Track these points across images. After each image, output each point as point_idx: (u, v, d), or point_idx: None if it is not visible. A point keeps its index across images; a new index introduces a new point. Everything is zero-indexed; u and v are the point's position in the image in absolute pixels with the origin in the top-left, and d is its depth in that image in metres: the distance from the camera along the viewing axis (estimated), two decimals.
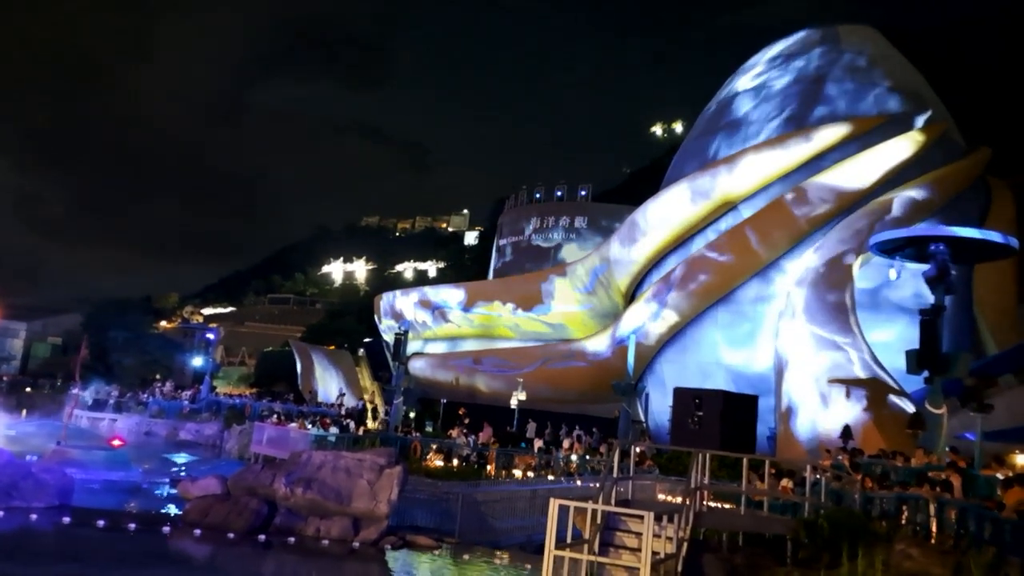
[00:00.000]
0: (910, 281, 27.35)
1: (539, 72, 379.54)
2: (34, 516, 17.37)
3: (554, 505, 11.51)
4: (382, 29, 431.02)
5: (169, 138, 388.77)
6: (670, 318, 35.25)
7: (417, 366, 48.91)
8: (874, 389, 26.05)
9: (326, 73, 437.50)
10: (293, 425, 32.32)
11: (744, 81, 39.27)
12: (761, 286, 33.54)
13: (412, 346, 46.50)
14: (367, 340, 63.04)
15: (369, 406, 43.01)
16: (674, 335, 35.77)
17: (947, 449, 17.31)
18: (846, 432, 22.90)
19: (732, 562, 12.94)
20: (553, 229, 57.27)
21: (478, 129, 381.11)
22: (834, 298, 29.30)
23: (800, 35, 39.14)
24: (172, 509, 20.06)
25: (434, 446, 29.52)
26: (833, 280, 29.93)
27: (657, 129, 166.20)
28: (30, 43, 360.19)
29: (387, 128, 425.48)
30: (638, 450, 22.35)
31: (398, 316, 52.05)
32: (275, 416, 36.80)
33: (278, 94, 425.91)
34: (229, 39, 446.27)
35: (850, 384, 26.37)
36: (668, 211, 36.49)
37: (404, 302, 53.86)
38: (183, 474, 26.72)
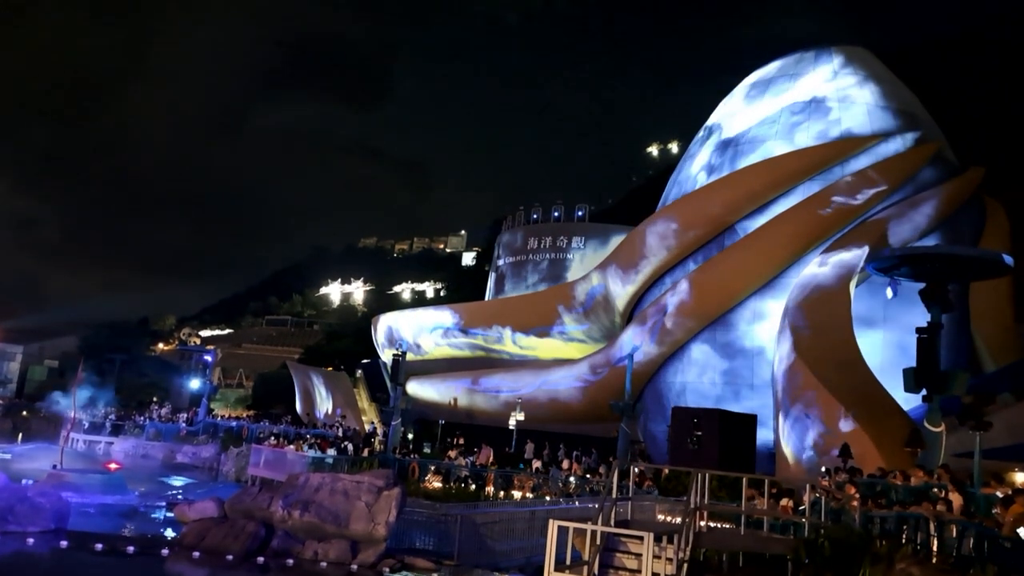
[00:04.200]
0: None
1: (538, 92, 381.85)
2: (31, 540, 17.26)
3: (553, 526, 11.49)
4: (383, 49, 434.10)
5: (167, 159, 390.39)
6: (667, 338, 35.26)
7: (415, 387, 48.81)
8: (872, 407, 26.01)
9: (326, 93, 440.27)
10: (290, 447, 32.21)
11: (738, 102, 39.53)
12: (758, 305, 33.60)
13: (410, 367, 46.45)
14: (365, 361, 62.92)
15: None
16: (672, 354, 35.77)
17: (939, 467, 17.27)
18: (845, 450, 22.84)
19: None
20: (550, 249, 57.38)
21: (477, 149, 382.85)
22: (831, 316, 29.33)
23: (795, 56, 39.43)
24: (169, 532, 19.96)
25: (432, 467, 29.42)
26: (829, 298, 29.98)
27: (653, 149, 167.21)
28: (28, 63, 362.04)
29: (388, 148, 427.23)
30: (637, 470, 22.28)
31: (396, 337, 52.02)
32: (272, 438, 36.69)
33: (277, 114, 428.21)
34: (228, 59, 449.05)
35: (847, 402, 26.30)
36: (664, 232, 36.60)
37: (402, 323, 53.85)
38: (180, 497, 26.61)
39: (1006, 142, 57.64)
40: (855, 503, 15.37)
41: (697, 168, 38.61)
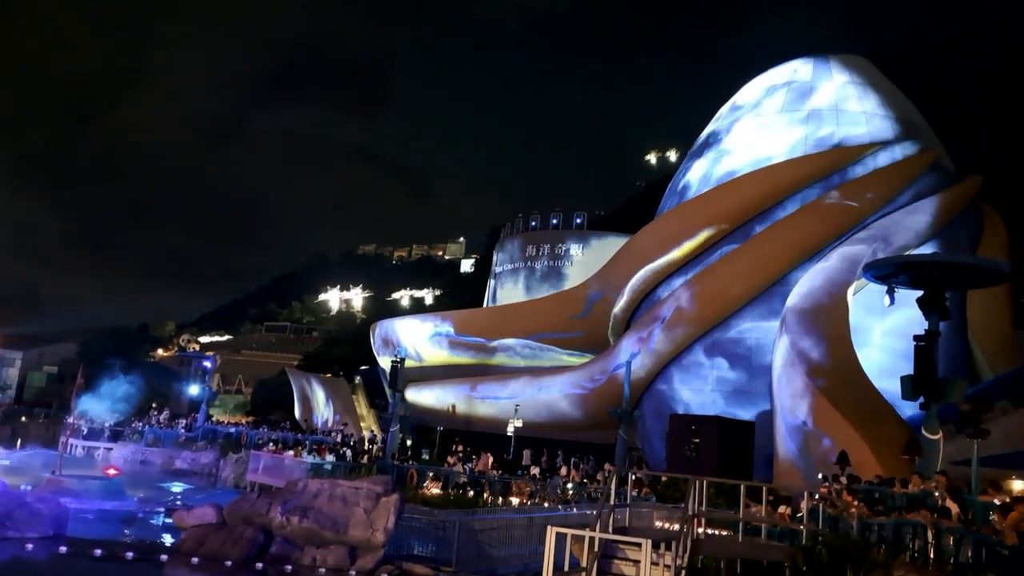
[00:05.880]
0: None
1: (537, 99, 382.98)
2: (29, 546, 17.23)
3: (551, 533, 11.51)
4: (383, 55, 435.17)
5: (166, 164, 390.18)
6: (665, 345, 35.28)
7: (413, 393, 48.79)
8: (869, 415, 26.05)
9: (326, 99, 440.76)
10: (289, 453, 32.23)
11: (736, 110, 39.66)
12: (756, 312, 33.64)
13: (408, 373, 46.47)
14: (363, 367, 62.88)
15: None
16: (670, 361, 35.79)
17: (936, 473, 17.29)
18: (842, 458, 22.86)
19: None
20: (548, 257, 57.45)
21: (476, 156, 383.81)
22: (828, 323, 29.38)
23: (793, 64, 39.60)
24: (168, 538, 19.94)
25: (431, 474, 29.43)
26: (827, 306, 30.03)
27: (652, 157, 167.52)
28: (26, 70, 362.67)
29: (387, 154, 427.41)
30: (634, 477, 22.29)
31: (394, 344, 52.02)
32: (271, 444, 36.68)
33: (277, 120, 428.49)
34: (228, 65, 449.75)
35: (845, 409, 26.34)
36: (662, 239, 36.68)
37: (401, 330, 53.88)
38: (179, 503, 26.58)
39: (1006, 143, 57.73)
40: (853, 510, 15.40)
41: (694, 177, 38.72)
